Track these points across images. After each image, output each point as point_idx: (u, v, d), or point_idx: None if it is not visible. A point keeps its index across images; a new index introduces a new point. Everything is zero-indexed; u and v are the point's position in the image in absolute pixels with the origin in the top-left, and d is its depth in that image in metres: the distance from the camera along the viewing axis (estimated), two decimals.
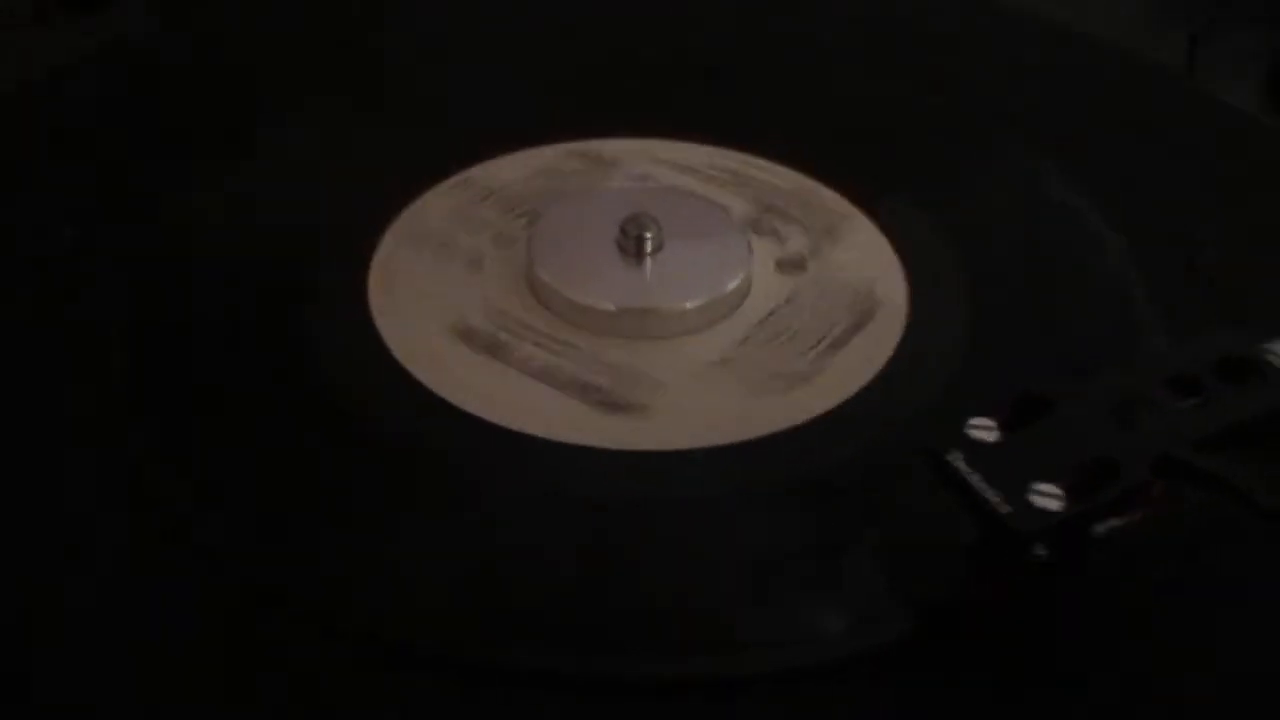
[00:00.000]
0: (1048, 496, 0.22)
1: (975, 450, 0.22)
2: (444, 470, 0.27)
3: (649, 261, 0.32)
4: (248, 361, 0.30)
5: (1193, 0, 0.55)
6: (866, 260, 0.33)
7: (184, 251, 0.33)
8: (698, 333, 0.31)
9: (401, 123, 0.38)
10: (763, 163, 0.36)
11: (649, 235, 0.32)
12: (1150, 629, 0.24)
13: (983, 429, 0.23)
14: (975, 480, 0.22)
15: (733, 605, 0.24)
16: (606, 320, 0.31)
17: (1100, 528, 0.24)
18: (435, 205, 0.34)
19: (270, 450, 0.28)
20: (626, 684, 0.23)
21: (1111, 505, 0.22)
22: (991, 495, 0.22)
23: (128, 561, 0.25)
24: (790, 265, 0.33)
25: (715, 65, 0.41)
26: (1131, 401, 0.23)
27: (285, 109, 0.38)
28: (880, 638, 0.23)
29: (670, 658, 0.23)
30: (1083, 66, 0.43)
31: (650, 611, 0.24)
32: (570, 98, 0.39)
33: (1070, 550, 0.23)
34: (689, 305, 0.31)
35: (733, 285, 0.31)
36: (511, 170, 0.35)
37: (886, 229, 0.34)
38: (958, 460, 0.22)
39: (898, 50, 0.43)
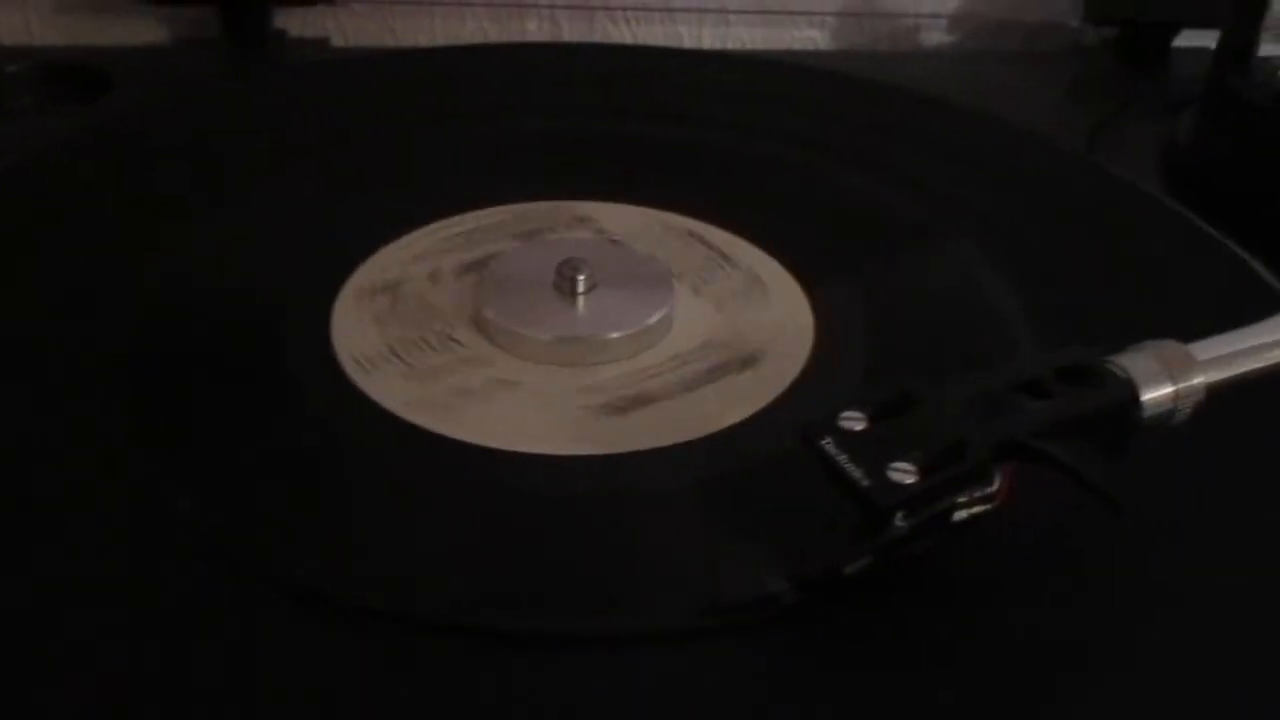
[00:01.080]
0: (903, 472, 0.25)
1: (844, 437, 0.26)
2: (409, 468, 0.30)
3: (581, 300, 0.35)
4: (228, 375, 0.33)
5: (1092, 91, 0.60)
6: (781, 305, 0.37)
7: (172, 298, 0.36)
8: (626, 360, 0.34)
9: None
10: (693, 222, 0.40)
11: (581, 277, 0.35)
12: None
13: (852, 419, 0.26)
14: (842, 461, 0.25)
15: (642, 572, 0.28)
16: (544, 349, 0.34)
17: (960, 514, 0.27)
18: (395, 255, 0.38)
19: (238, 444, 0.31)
20: (535, 636, 0.26)
21: (959, 482, 0.25)
22: (854, 472, 0.25)
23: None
24: (713, 305, 0.37)
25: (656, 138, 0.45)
26: (984, 399, 0.27)
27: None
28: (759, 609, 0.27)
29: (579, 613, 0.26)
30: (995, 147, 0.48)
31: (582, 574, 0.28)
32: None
33: (933, 530, 0.26)
34: (614, 335, 0.35)
35: (655, 319, 0.35)
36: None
37: (801, 281, 0.38)
38: (828, 444, 0.26)
39: (819, 129, 0.48)
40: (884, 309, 0.37)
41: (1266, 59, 0.49)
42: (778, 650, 0.26)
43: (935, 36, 0.67)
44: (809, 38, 0.66)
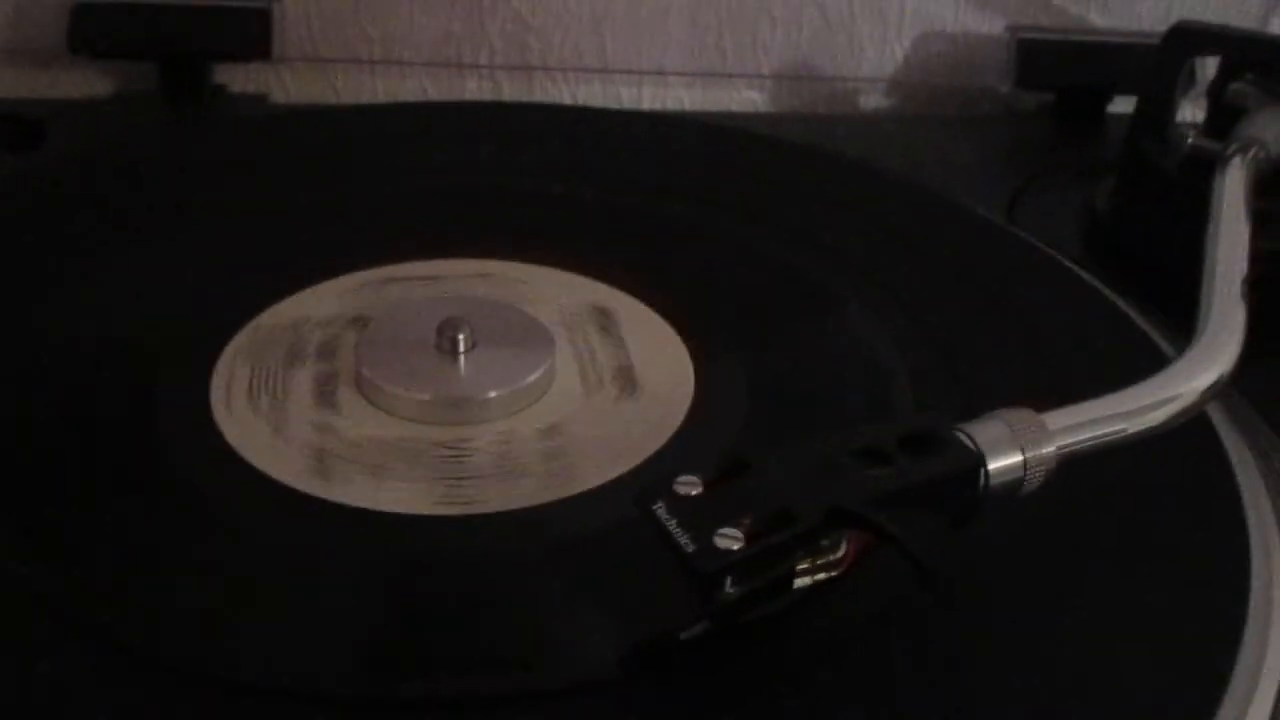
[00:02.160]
0: (729, 539, 0.25)
1: (677, 501, 0.26)
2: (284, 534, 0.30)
3: (462, 359, 0.35)
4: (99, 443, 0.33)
5: (1024, 157, 0.60)
6: (659, 357, 0.37)
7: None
8: (506, 418, 0.34)
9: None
10: (566, 275, 0.41)
11: (462, 336, 0.35)
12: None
13: (687, 484, 0.26)
14: (671, 526, 0.25)
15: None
16: (424, 409, 0.34)
17: (803, 580, 0.27)
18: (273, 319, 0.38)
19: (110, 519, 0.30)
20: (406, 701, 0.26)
21: (786, 548, 0.25)
22: (682, 539, 0.25)
23: None
24: (594, 362, 0.37)
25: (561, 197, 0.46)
26: (822, 465, 0.27)
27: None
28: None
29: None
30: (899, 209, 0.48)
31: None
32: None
33: (775, 595, 0.26)
34: (493, 394, 0.35)
35: (534, 378, 0.35)
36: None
37: (678, 330, 0.38)
38: (660, 509, 0.25)
39: (729, 189, 0.48)
40: (768, 373, 0.37)
41: (1180, 125, 0.50)
42: (612, 715, 0.26)
43: (873, 100, 0.68)
44: (748, 99, 0.67)
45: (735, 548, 0.25)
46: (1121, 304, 0.42)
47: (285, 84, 0.64)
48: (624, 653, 0.27)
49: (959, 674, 0.27)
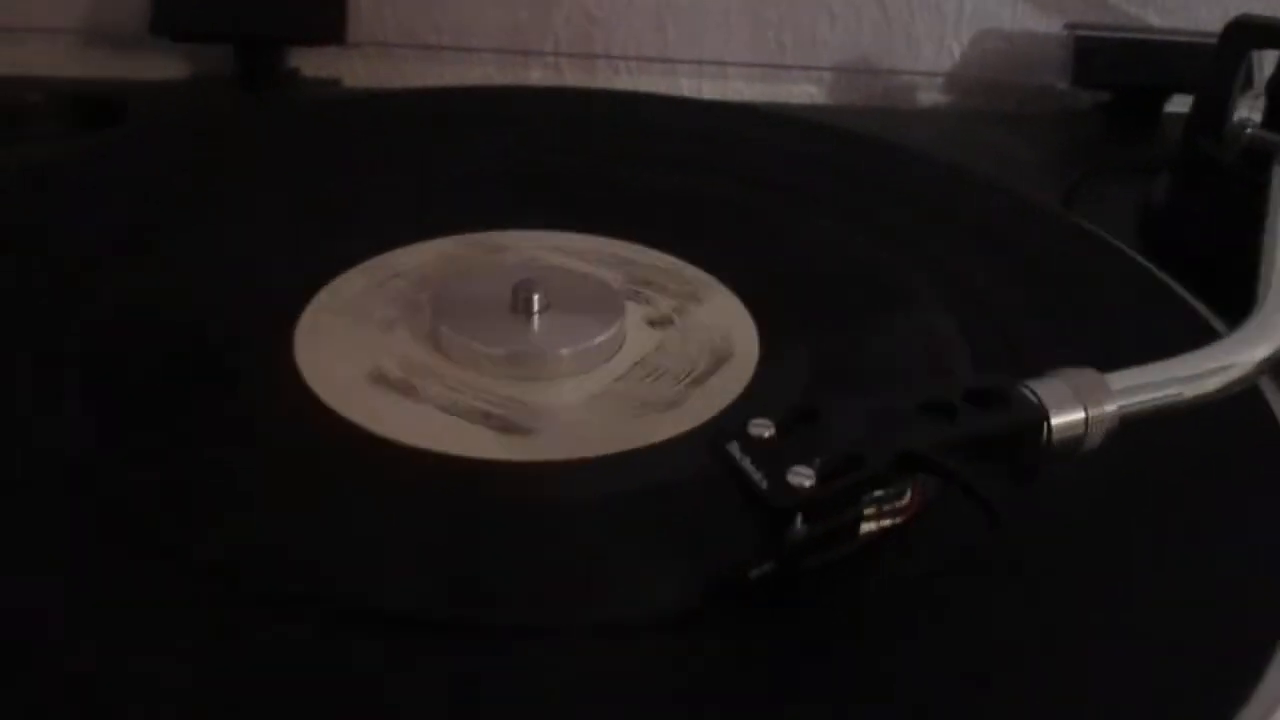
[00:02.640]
0: (801, 476, 0.26)
1: (750, 443, 0.27)
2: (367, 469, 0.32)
3: (536, 319, 0.37)
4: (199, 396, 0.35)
5: (1080, 154, 0.61)
6: (724, 318, 0.39)
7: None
8: (578, 375, 0.36)
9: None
10: (637, 247, 0.42)
11: (536, 296, 0.37)
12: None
13: (760, 427, 0.27)
14: (745, 464, 0.26)
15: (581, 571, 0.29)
16: (498, 365, 0.36)
17: (869, 526, 0.28)
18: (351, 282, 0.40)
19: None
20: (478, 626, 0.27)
21: (855, 489, 0.26)
22: (754, 475, 0.26)
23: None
24: (659, 322, 0.38)
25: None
26: (890, 415, 0.28)
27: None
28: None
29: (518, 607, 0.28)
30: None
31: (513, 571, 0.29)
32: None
33: (841, 539, 0.27)
34: (566, 351, 0.36)
35: (606, 336, 0.36)
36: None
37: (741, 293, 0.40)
38: (734, 449, 0.27)
39: (785, 174, 0.49)
40: (831, 349, 0.38)
41: (1237, 120, 0.50)
42: (684, 649, 0.27)
43: (930, 96, 0.68)
44: (806, 92, 0.68)
45: (808, 484, 0.26)
46: (1182, 292, 0.43)
47: (356, 69, 0.66)
48: (697, 589, 0.28)
49: (1013, 631, 0.28)
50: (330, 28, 0.62)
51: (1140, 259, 0.46)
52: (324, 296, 0.39)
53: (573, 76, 0.67)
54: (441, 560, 0.29)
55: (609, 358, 0.36)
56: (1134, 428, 0.30)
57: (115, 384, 0.34)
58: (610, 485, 0.32)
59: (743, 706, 0.26)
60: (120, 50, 0.64)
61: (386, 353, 0.36)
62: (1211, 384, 0.32)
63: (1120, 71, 0.64)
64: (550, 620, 0.27)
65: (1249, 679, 0.26)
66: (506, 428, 0.33)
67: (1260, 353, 0.33)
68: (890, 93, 0.68)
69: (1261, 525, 0.32)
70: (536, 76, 0.67)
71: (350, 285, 0.40)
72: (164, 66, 0.64)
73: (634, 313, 0.38)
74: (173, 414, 0.33)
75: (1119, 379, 0.30)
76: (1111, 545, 0.31)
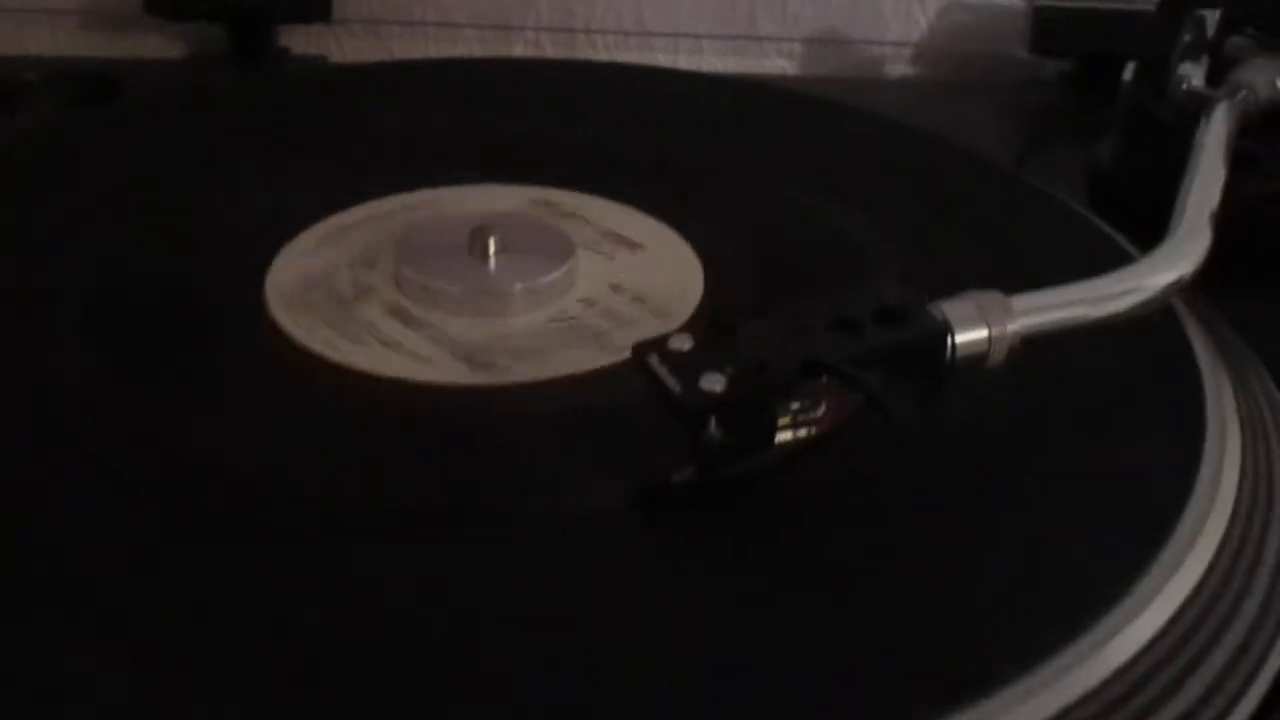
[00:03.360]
0: (712, 383, 0.28)
1: (669, 355, 0.29)
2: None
3: (492, 260, 0.39)
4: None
5: (1041, 121, 0.63)
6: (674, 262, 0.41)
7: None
8: (532, 310, 0.38)
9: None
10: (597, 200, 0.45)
11: (492, 239, 0.39)
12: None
13: (680, 340, 0.29)
14: (663, 373, 0.29)
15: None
16: (456, 301, 0.38)
17: (784, 435, 0.30)
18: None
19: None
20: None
21: (763, 392, 0.28)
22: (670, 383, 0.28)
23: None
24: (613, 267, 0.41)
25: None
26: (801, 328, 0.30)
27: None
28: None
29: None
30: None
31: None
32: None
33: (758, 447, 0.30)
34: (519, 287, 0.38)
35: (558, 274, 0.39)
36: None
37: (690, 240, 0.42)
38: (653, 360, 0.29)
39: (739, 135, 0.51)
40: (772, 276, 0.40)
41: (1179, 78, 0.52)
42: (611, 551, 0.29)
43: (898, 67, 0.71)
44: (778, 65, 0.70)
45: (718, 390, 0.28)
46: (1125, 244, 0.45)
47: (343, 46, 0.68)
48: (627, 493, 0.30)
49: (936, 520, 0.31)
50: (316, 6, 0.64)
51: (1081, 210, 0.48)
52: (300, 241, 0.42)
53: (554, 51, 0.69)
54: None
55: (562, 294, 0.39)
56: (1047, 348, 0.32)
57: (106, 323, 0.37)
58: (564, 404, 0.34)
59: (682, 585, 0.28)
60: (116, 29, 0.66)
61: (350, 287, 0.39)
62: (1118, 305, 0.34)
63: (1079, 40, 0.66)
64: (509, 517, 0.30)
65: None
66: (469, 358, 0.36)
67: (1163, 278, 0.35)
68: (860, 64, 0.70)
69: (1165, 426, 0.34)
70: (519, 52, 0.69)
71: (314, 236, 0.42)
72: (159, 45, 0.67)
73: (588, 258, 0.41)
74: (156, 347, 0.36)
75: (1024, 300, 0.32)
76: (1026, 445, 0.33)
